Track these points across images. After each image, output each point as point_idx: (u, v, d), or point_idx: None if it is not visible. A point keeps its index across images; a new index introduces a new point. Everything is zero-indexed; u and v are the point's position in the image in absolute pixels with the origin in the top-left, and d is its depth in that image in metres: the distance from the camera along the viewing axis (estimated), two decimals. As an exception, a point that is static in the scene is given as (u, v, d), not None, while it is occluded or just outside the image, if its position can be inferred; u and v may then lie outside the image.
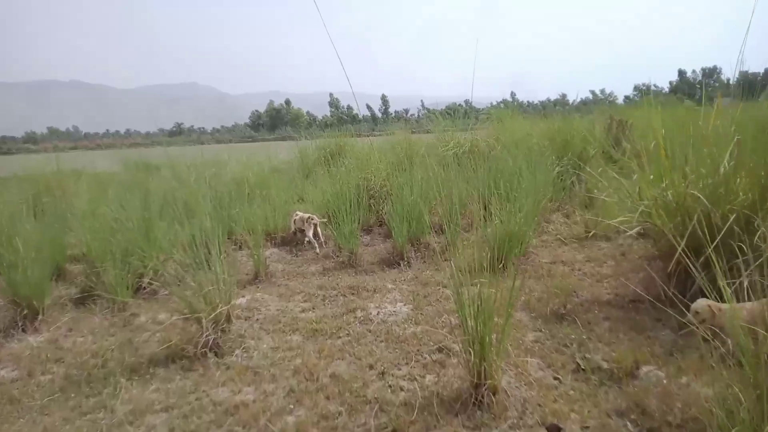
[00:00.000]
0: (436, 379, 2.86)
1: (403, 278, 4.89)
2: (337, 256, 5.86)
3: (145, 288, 4.60)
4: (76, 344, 3.63)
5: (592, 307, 3.82)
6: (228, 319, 3.40)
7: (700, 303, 2.82)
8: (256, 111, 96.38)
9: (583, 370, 2.92)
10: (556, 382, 2.81)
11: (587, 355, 3.06)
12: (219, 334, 3.30)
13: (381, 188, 7.40)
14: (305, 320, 3.86)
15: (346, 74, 7.83)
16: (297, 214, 6.43)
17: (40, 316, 3.92)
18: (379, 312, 3.96)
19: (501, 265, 4.83)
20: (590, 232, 5.93)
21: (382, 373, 2.94)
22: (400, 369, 2.99)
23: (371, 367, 3.03)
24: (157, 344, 3.52)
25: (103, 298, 4.37)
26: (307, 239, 6.29)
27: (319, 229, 6.33)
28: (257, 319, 3.95)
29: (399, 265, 5.36)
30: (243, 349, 3.34)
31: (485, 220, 5.29)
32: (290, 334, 3.63)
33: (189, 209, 6.63)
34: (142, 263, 4.64)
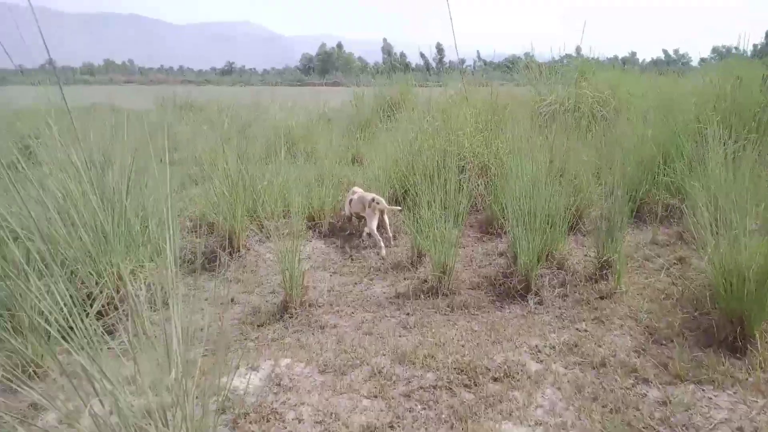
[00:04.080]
0: None
1: (546, 339, 2.67)
2: (416, 269, 3.69)
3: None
4: None
5: None
6: None
7: None
8: (307, 54, 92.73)
9: None
10: None
11: None
12: None
13: (475, 157, 5.08)
14: (377, 469, 1.75)
15: (451, 19, 5.31)
16: (355, 193, 4.27)
17: None
18: (540, 466, 1.79)
19: (736, 334, 2.54)
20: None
21: None
22: None
23: None
24: None
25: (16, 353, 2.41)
26: (367, 231, 4.16)
27: (386, 218, 4.16)
28: (275, 449, 1.88)
29: (524, 299, 3.16)
30: None
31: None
32: None
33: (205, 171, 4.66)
34: (92, 280, 2.68)
